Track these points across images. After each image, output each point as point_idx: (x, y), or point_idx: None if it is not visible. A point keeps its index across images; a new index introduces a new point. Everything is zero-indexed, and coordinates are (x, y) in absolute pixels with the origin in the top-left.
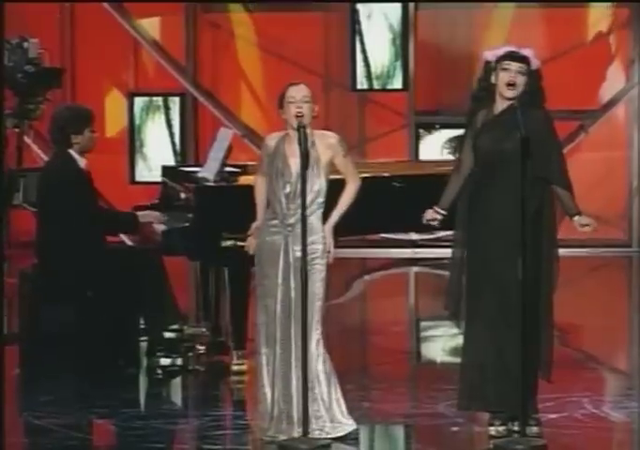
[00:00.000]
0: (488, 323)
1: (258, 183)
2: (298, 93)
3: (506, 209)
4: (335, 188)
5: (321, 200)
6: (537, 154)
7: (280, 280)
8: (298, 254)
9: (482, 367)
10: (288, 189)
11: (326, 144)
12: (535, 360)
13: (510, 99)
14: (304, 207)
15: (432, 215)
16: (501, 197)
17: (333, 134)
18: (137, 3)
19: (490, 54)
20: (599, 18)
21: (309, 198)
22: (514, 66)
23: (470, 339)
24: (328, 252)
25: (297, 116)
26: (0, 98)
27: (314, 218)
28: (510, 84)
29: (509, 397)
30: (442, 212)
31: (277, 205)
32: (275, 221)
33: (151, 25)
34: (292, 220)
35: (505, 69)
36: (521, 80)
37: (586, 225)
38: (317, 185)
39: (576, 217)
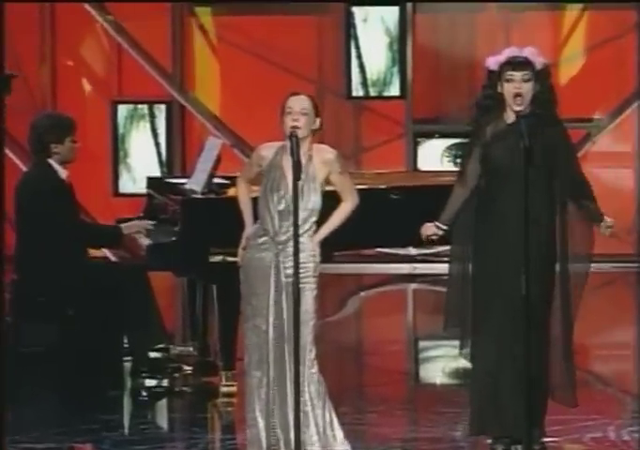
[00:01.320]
0: (499, 343)
1: (242, 187)
2: (297, 104)
3: (516, 220)
4: (329, 202)
5: (314, 219)
6: (561, 172)
7: (271, 300)
8: (290, 271)
9: (495, 389)
10: (282, 206)
11: (322, 160)
12: (544, 382)
13: (519, 111)
14: (296, 220)
15: (432, 230)
16: (513, 210)
17: (331, 149)
18: (121, 3)
19: (492, 62)
20: (606, 21)
21: (302, 215)
22: (518, 75)
23: (480, 360)
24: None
25: (292, 128)
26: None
27: (306, 238)
28: (517, 96)
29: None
30: (444, 227)
31: (268, 222)
32: (264, 238)
33: (136, 28)
34: (283, 238)
35: (509, 80)
36: (527, 87)
37: (610, 227)
38: (311, 203)
39: (602, 222)
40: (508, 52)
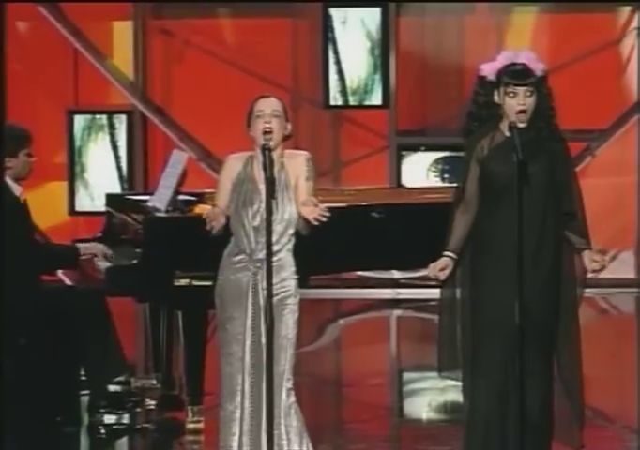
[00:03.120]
0: (498, 375)
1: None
2: (268, 106)
3: (523, 243)
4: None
5: (291, 231)
6: (563, 193)
7: (248, 324)
8: (270, 292)
9: (494, 425)
10: (258, 221)
11: (294, 163)
12: (547, 417)
13: (519, 127)
14: (269, 239)
15: (445, 262)
16: (511, 228)
17: (303, 152)
18: (77, 4)
19: (489, 70)
20: (606, 23)
21: (279, 228)
22: (521, 90)
23: (477, 393)
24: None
25: (265, 132)
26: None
27: (285, 253)
28: (521, 112)
29: None
30: (455, 257)
31: (243, 239)
32: (240, 257)
33: (94, 31)
34: (261, 255)
35: (511, 95)
36: (531, 102)
37: (596, 262)
38: (287, 213)
39: (587, 252)
40: (503, 59)
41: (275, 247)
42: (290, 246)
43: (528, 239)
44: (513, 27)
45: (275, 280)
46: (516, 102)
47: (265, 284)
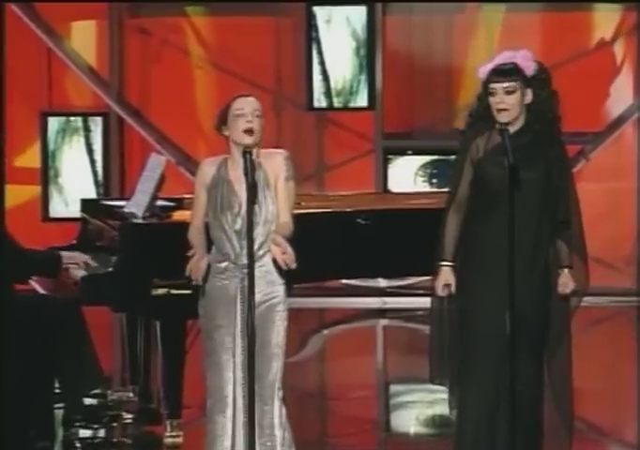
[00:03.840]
0: (490, 384)
1: (194, 229)
2: (248, 105)
3: (514, 250)
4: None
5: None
6: (559, 201)
7: (238, 333)
8: (259, 298)
9: (483, 435)
10: (239, 225)
11: (272, 162)
12: (538, 425)
13: (506, 124)
14: (251, 249)
15: (448, 274)
16: (505, 234)
17: (280, 150)
18: (51, 3)
19: (481, 71)
20: (601, 23)
21: (262, 230)
22: (499, 87)
23: (466, 403)
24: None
25: (247, 131)
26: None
27: (268, 258)
28: (501, 110)
29: None
30: (452, 264)
31: (226, 245)
32: (225, 264)
33: (68, 31)
34: (246, 260)
35: (491, 93)
36: (512, 100)
37: (565, 286)
38: (270, 213)
39: (565, 271)
40: (499, 59)
41: (260, 252)
42: None
43: (523, 246)
44: (504, 26)
45: (262, 287)
46: (494, 101)
47: (253, 289)
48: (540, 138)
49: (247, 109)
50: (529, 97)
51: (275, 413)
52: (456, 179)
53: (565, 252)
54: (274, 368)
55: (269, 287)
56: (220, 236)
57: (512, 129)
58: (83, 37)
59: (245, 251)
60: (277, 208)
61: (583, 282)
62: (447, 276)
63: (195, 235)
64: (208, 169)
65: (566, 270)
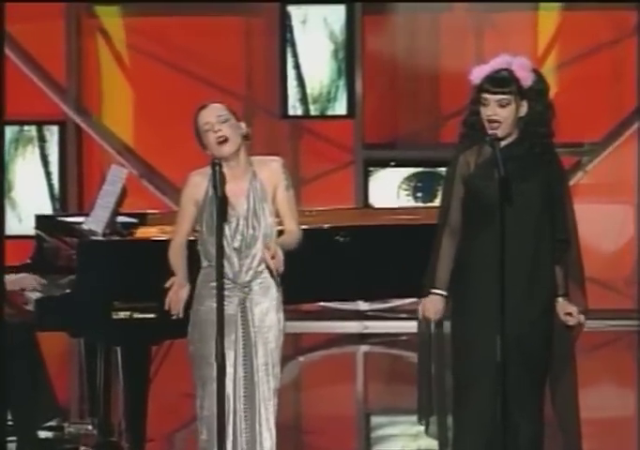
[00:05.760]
0: (486, 417)
1: (177, 246)
2: (211, 114)
3: (509, 268)
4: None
5: None
6: (556, 219)
7: (240, 360)
8: (259, 319)
9: None
10: (238, 242)
11: (268, 171)
12: None
13: (497, 138)
14: (220, 271)
15: (439, 302)
16: (495, 254)
17: (275, 158)
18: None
19: (475, 74)
20: (601, 23)
21: (261, 246)
22: (492, 99)
23: (463, 437)
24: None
25: (220, 142)
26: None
27: (267, 274)
28: (491, 122)
29: None
30: (446, 294)
31: (224, 263)
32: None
33: (21, 33)
34: (247, 278)
35: (484, 104)
36: (505, 113)
37: (569, 315)
38: (269, 227)
39: (561, 299)
40: (494, 63)
41: (259, 268)
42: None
43: (520, 268)
44: (495, 27)
45: (264, 304)
46: (485, 112)
47: (255, 310)
48: (535, 151)
49: (211, 119)
50: (524, 109)
51: (272, 441)
52: (447, 198)
53: (561, 278)
54: (271, 392)
55: (267, 301)
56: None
57: (505, 142)
58: (38, 39)
59: (245, 268)
60: (281, 218)
61: (564, 287)
62: (438, 305)
63: (177, 254)
64: (200, 181)
65: (561, 299)
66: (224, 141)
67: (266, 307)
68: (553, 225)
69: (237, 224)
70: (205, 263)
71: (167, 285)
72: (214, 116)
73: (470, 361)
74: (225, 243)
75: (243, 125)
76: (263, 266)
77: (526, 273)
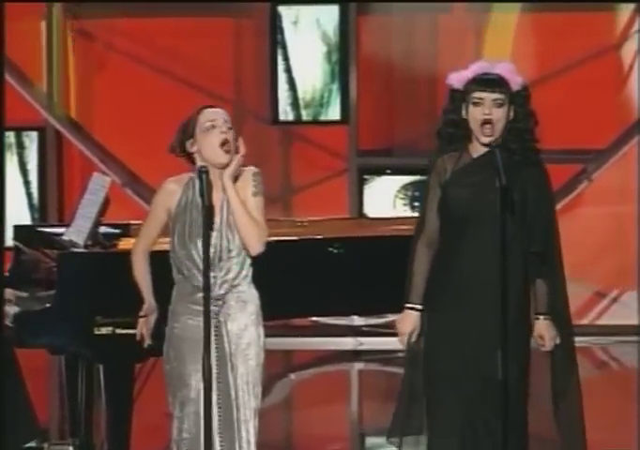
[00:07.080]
0: (455, 438)
1: (140, 260)
2: (220, 116)
3: (486, 282)
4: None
5: (249, 261)
6: (533, 229)
7: (214, 376)
8: (236, 335)
9: None
10: (212, 253)
11: (240, 180)
12: None
13: (488, 144)
14: (207, 286)
15: (414, 319)
16: (479, 268)
17: (250, 167)
18: None
19: (455, 79)
20: (604, 25)
21: (236, 260)
22: (488, 97)
23: None
24: None
25: (223, 144)
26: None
27: (247, 285)
28: (486, 123)
29: None
30: (421, 308)
31: (196, 276)
32: (197, 295)
33: None
34: (222, 291)
35: (476, 103)
36: (499, 114)
37: (541, 338)
38: (239, 238)
39: (541, 318)
40: (476, 68)
41: (235, 282)
42: (249, 277)
43: (489, 281)
44: (494, 28)
45: (242, 320)
46: (481, 111)
47: (230, 327)
48: (515, 157)
49: (219, 120)
50: (512, 113)
51: None
52: (424, 205)
53: (542, 295)
54: (251, 412)
55: (248, 318)
56: (190, 267)
57: (486, 148)
58: (16, 41)
59: (219, 281)
60: None
61: (545, 306)
62: (412, 320)
63: (141, 265)
64: (173, 189)
65: (541, 318)
66: (227, 145)
67: (244, 322)
68: (529, 237)
69: (212, 236)
70: (178, 277)
71: (141, 313)
72: (221, 119)
73: (440, 377)
74: (196, 254)
75: (240, 140)
76: (239, 279)
77: (494, 286)
